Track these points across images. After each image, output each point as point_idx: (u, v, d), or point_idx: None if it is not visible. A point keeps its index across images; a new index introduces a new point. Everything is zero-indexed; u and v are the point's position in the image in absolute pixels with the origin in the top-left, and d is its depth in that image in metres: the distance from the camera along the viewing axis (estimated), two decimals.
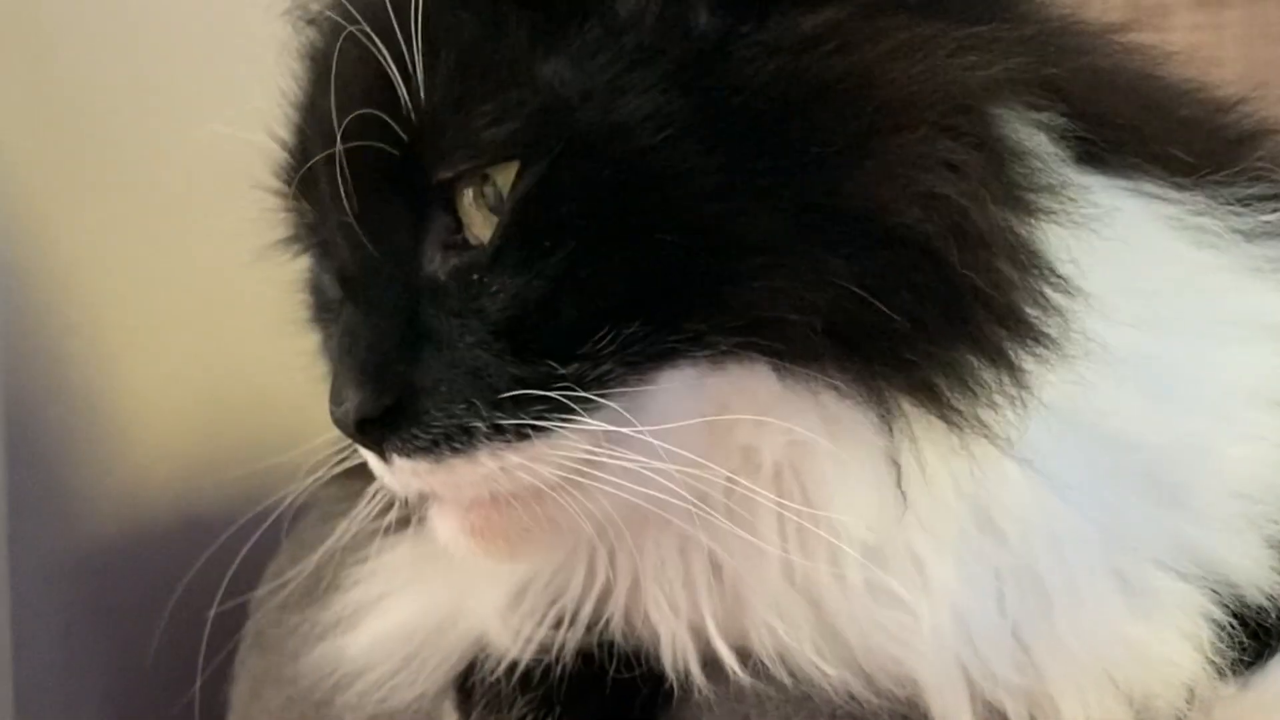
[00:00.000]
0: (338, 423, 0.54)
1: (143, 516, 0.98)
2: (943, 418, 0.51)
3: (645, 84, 0.51)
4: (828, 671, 0.55)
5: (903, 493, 0.52)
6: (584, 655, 0.60)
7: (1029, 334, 0.51)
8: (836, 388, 0.52)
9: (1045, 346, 0.51)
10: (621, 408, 0.52)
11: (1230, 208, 0.58)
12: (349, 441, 0.60)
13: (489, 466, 0.52)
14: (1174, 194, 0.57)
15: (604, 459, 0.52)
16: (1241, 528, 0.55)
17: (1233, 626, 0.54)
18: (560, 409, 0.51)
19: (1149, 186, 0.57)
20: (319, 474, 0.64)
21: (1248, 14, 1.03)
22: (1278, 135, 0.64)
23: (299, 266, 0.68)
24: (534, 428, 0.51)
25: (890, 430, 0.52)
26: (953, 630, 0.54)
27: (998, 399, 0.51)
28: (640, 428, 0.51)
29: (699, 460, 0.53)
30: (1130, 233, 0.54)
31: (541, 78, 0.51)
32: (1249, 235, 0.58)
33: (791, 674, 0.56)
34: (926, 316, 0.50)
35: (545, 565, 0.60)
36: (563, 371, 0.51)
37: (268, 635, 0.78)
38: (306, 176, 0.57)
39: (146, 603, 0.75)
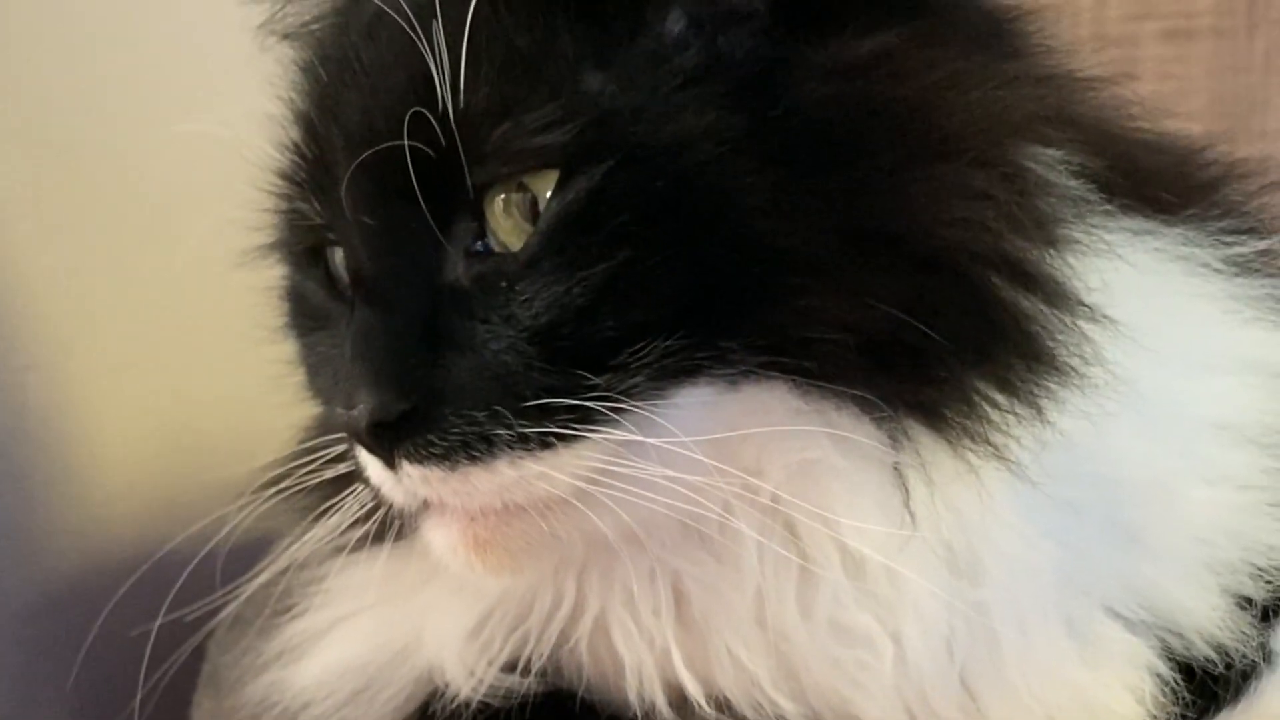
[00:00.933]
0: (345, 426, 0.53)
1: (103, 554, 0.96)
2: (958, 440, 0.52)
3: (698, 102, 0.52)
4: (784, 706, 0.55)
5: (911, 513, 0.52)
6: (548, 693, 0.59)
7: (1051, 361, 0.52)
8: (857, 408, 0.52)
9: (1066, 374, 0.52)
10: (643, 419, 0.51)
11: (1214, 238, 0.59)
12: (302, 460, 0.59)
13: (507, 475, 0.51)
14: (1161, 229, 0.58)
15: (620, 468, 0.52)
16: (1199, 574, 0.56)
17: (1177, 682, 0.55)
18: (587, 418, 0.51)
19: (1139, 221, 0.58)
20: (266, 496, 0.62)
21: (1216, 45, 1.04)
22: (1246, 176, 0.65)
23: (272, 305, 0.66)
24: (559, 436, 0.51)
25: (902, 451, 0.52)
26: (908, 670, 0.54)
27: (1014, 425, 0.51)
28: (678, 437, 0.51)
29: (721, 467, 0.52)
30: (1132, 262, 0.55)
31: (588, 91, 0.52)
32: (1229, 267, 0.59)
33: (751, 708, 0.56)
34: (956, 340, 0.51)
35: (512, 591, 0.60)
36: (595, 381, 0.51)
37: (221, 675, 0.77)
38: (320, 176, 0.57)
39: (107, 640, 0.74)
